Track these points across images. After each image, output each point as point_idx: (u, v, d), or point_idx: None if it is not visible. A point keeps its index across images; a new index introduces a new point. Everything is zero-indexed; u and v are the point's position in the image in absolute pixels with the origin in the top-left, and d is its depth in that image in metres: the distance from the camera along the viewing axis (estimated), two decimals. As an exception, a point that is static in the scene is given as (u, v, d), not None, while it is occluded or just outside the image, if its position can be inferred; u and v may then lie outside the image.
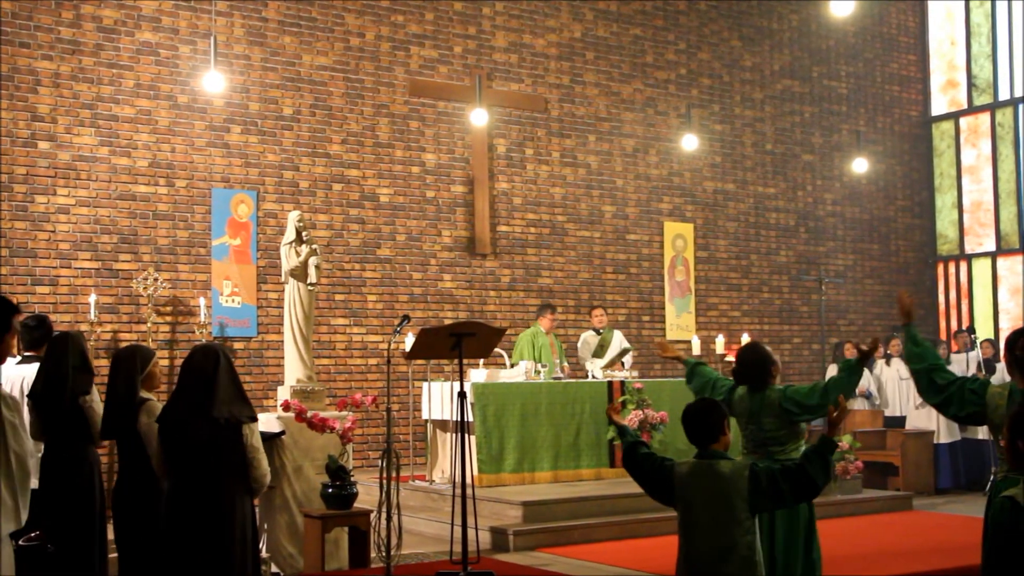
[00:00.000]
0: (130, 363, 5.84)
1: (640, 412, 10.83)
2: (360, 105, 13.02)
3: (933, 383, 5.37)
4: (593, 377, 11.88)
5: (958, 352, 14.39)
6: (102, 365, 10.36)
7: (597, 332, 12.53)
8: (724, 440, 4.80)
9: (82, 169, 11.35)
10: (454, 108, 13.62)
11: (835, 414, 4.73)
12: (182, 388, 5.36)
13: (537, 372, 11.14)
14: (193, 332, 11.57)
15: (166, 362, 11.19)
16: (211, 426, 5.21)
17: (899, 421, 13.26)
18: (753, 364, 6.02)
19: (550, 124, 14.35)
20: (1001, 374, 13.61)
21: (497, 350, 10.11)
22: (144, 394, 5.83)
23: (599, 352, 12.26)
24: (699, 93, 15.65)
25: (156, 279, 11.41)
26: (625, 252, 14.87)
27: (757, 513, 4.73)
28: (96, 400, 6.15)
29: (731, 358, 13.42)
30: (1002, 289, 17.29)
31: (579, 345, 12.71)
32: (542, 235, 14.19)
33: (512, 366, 11.60)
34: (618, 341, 12.44)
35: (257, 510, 8.42)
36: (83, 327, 10.63)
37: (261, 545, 7.97)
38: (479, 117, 13.19)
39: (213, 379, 5.28)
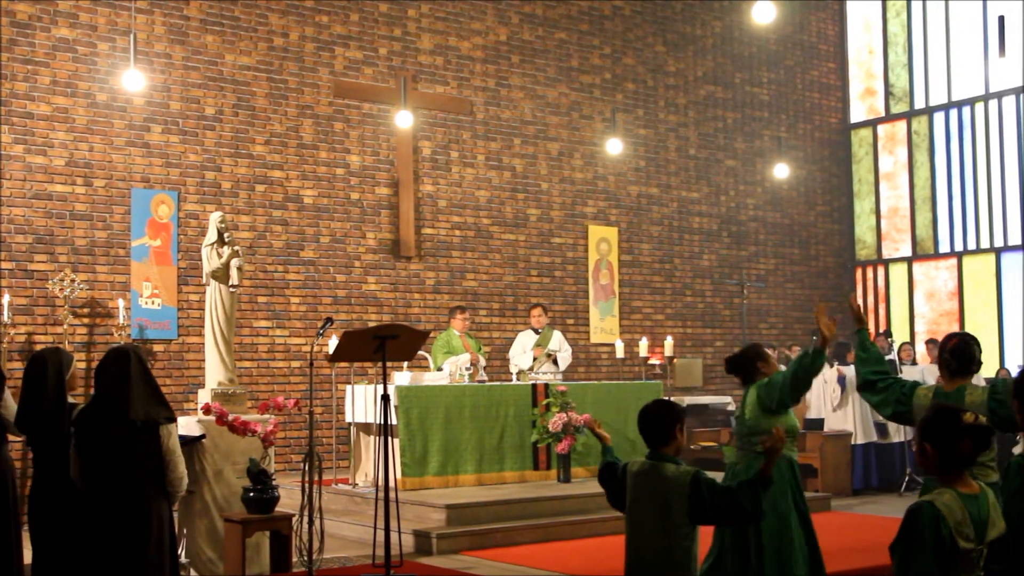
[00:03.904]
0: (57, 366, 5.71)
1: (564, 415, 10.85)
2: (284, 106, 12.89)
3: (874, 384, 5.55)
4: (527, 376, 11.87)
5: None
6: (15, 368, 10.14)
7: (536, 332, 12.51)
8: (675, 444, 4.81)
9: (-4, 167, 11.08)
10: (379, 110, 13.55)
11: (767, 444, 4.74)
12: (98, 392, 5.27)
13: (461, 375, 11.13)
14: (111, 334, 11.35)
15: (83, 365, 10.96)
16: (127, 429, 5.13)
17: (819, 423, 13.47)
18: (737, 358, 6.21)
19: (475, 127, 14.35)
20: (920, 374, 13.91)
21: (421, 352, 10.09)
22: (70, 399, 5.71)
23: (537, 353, 12.24)
24: (624, 98, 15.77)
25: (73, 280, 11.17)
26: (550, 255, 14.92)
27: (697, 523, 4.73)
28: (9, 402, 6.00)
29: (655, 361, 13.61)
30: (917, 293, 17.67)
31: (513, 344, 12.68)
32: (467, 238, 14.18)
33: (438, 369, 11.57)
34: (556, 342, 12.44)
35: (176, 515, 8.31)
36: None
37: (180, 550, 7.85)
38: (404, 119, 13.14)
39: (127, 381, 5.19)
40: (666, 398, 5.10)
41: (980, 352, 5.51)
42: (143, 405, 5.19)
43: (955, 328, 16.69)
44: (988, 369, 14.43)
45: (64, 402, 5.66)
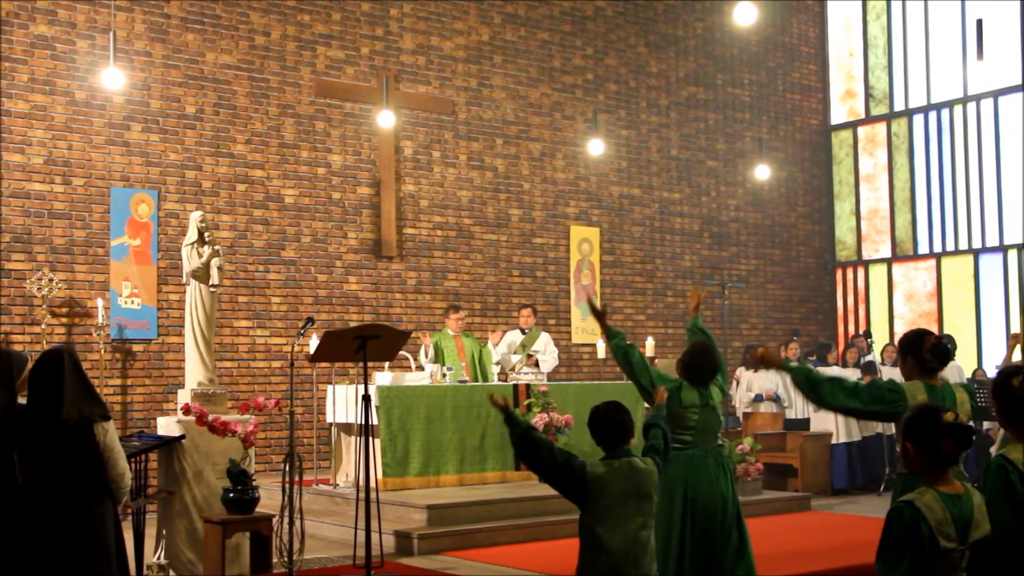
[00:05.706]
0: (8, 368, 5.64)
1: (545, 415, 10.85)
2: (265, 105, 12.84)
3: (846, 389, 5.37)
4: (511, 376, 11.83)
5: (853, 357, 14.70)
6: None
7: (523, 332, 12.49)
8: (631, 440, 4.92)
9: (-26, 165, 11.00)
10: (361, 109, 13.52)
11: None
12: (31, 394, 5.25)
13: (443, 375, 11.11)
14: (90, 334, 11.29)
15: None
16: (61, 429, 5.10)
17: (799, 424, 13.50)
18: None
19: (457, 127, 14.34)
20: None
21: (402, 353, 10.05)
22: (21, 399, 5.65)
23: (519, 353, 12.21)
24: (605, 98, 15.78)
25: (51, 279, 11.10)
26: (531, 256, 14.92)
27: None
28: None
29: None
30: (897, 294, 17.76)
31: (499, 344, 12.64)
32: (448, 238, 14.16)
33: (420, 367, 11.53)
34: (541, 344, 12.42)
35: (156, 516, 8.26)
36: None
37: (160, 551, 7.81)
38: (386, 119, 13.12)
39: (59, 381, 5.17)
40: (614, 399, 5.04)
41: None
42: (76, 405, 5.15)
43: (934, 330, 16.77)
44: (966, 370, 14.52)
45: (14, 404, 5.60)
